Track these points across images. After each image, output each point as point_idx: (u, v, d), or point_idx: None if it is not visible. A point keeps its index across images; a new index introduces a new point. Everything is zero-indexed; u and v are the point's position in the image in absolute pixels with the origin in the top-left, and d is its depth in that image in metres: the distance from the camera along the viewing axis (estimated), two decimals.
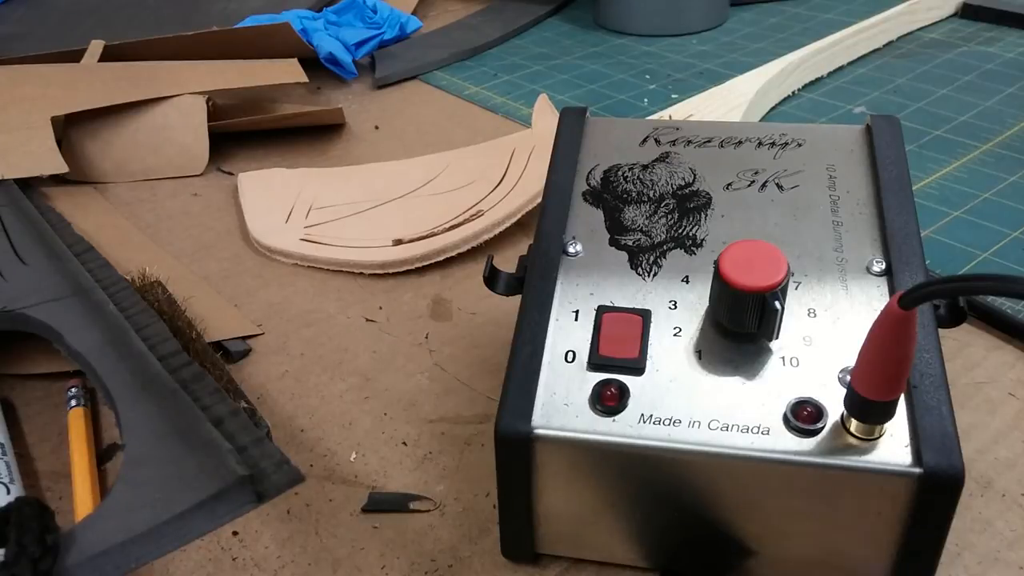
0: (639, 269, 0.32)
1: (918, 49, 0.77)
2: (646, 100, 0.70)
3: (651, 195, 0.34)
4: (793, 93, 0.70)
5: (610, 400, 0.28)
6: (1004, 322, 0.41)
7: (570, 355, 0.29)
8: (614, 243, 0.33)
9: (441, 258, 0.49)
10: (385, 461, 0.37)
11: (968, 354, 0.41)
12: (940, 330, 0.29)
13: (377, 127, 0.69)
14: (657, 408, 0.27)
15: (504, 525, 0.30)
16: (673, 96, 0.71)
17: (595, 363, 0.29)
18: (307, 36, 0.76)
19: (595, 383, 0.28)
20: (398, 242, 0.50)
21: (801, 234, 0.32)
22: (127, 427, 0.33)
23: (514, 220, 0.51)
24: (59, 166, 0.57)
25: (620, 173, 0.35)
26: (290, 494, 0.35)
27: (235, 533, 0.34)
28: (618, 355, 0.29)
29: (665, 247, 0.32)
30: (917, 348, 0.24)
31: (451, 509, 0.34)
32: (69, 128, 0.61)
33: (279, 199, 0.56)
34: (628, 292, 0.31)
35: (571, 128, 0.37)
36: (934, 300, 0.26)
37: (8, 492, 0.34)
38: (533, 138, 0.59)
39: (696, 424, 0.27)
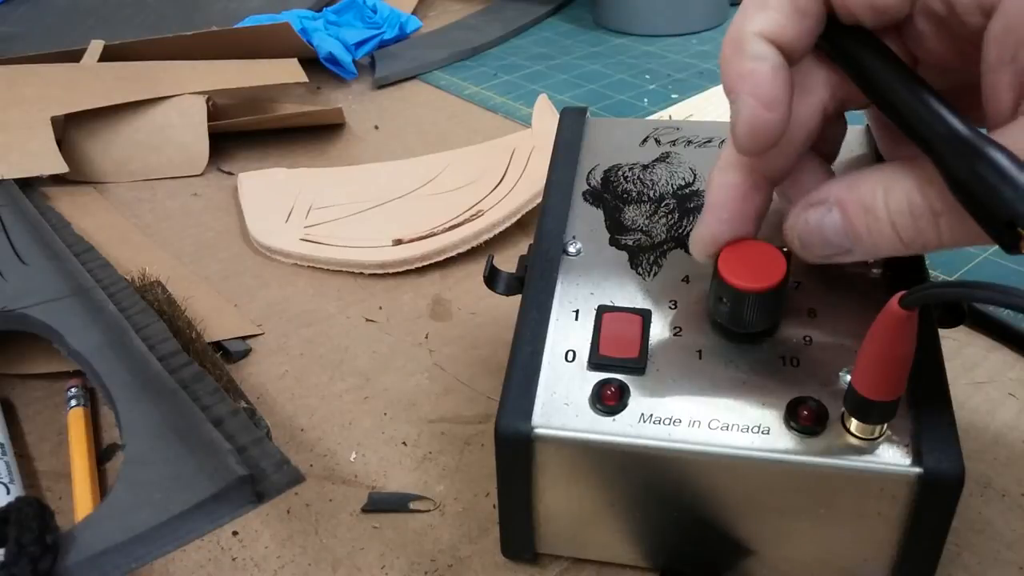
0: (639, 269, 0.32)
1: None
2: (646, 100, 0.70)
3: (651, 195, 0.34)
4: None
5: (610, 400, 0.27)
6: (1001, 328, 0.41)
7: (570, 355, 0.29)
8: (614, 243, 0.33)
9: (441, 258, 0.49)
10: (385, 461, 0.37)
11: (968, 354, 0.41)
12: (940, 330, 0.29)
13: (377, 127, 0.69)
14: (657, 408, 0.27)
15: (504, 525, 0.30)
16: (673, 96, 0.71)
17: (595, 363, 0.29)
18: (307, 36, 0.76)
19: (595, 383, 0.28)
20: (398, 242, 0.50)
21: None
22: (127, 427, 0.33)
23: (514, 220, 0.51)
24: (59, 166, 0.57)
25: (620, 173, 0.35)
26: (290, 494, 0.35)
27: (235, 533, 0.34)
28: (618, 355, 0.29)
29: (665, 247, 0.32)
30: (917, 348, 0.24)
31: (451, 509, 0.34)
32: (69, 128, 0.61)
33: (279, 199, 0.56)
34: (628, 292, 0.31)
35: (571, 128, 0.37)
36: (935, 303, 0.26)
37: (8, 492, 0.34)
38: (533, 138, 0.59)
39: (696, 424, 0.27)
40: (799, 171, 0.28)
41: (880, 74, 0.24)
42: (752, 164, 0.27)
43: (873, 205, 0.24)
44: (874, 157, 0.34)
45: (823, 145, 0.29)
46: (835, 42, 0.25)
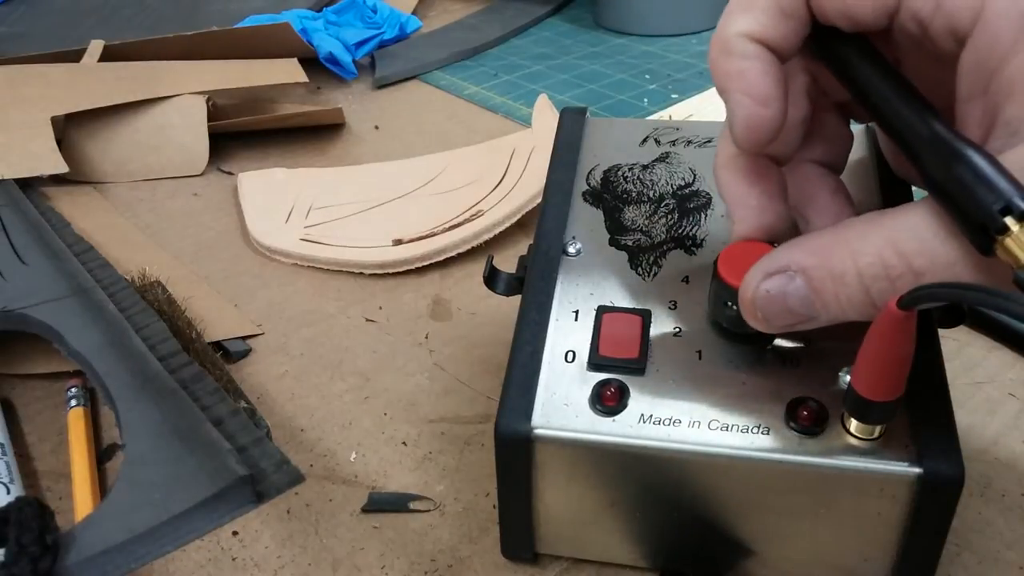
0: (639, 269, 0.32)
1: None
2: (646, 100, 0.70)
3: (651, 195, 0.34)
4: None
5: (610, 400, 0.28)
6: (1001, 329, 0.41)
7: (570, 355, 0.29)
8: (614, 243, 0.33)
9: (441, 258, 0.49)
10: (385, 461, 0.37)
11: (968, 354, 0.41)
12: (940, 330, 0.29)
13: (377, 127, 0.69)
14: (657, 408, 0.27)
15: (504, 525, 0.30)
16: (673, 96, 0.71)
17: (595, 363, 0.29)
18: (307, 36, 0.76)
19: (595, 383, 0.28)
20: (398, 242, 0.50)
21: None
22: (127, 427, 0.33)
23: (514, 220, 0.51)
24: (59, 166, 0.57)
25: (620, 173, 0.35)
26: (290, 494, 0.35)
27: (235, 533, 0.34)
28: (618, 355, 0.29)
29: (665, 247, 0.32)
30: (917, 348, 0.24)
31: (451, 509, 0.34)
32: (69, 128, 0.61)
33: (279, 199, 0.56)
34: (628, 292, 0.31)
35: (571, 128, 0.37)
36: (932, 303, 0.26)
37: (8, 492, 0.34)
38: (533, 138, 0.59)
39: (696, 424, 0.27)
40: (807, 186, 0.28)
41: (863, 74, 0.24)
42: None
43: (843, 270, 0.23)
44: (874, 159, 0.34)
45: (827, 154, 0.29)
46: (820, 41, 0.25)
